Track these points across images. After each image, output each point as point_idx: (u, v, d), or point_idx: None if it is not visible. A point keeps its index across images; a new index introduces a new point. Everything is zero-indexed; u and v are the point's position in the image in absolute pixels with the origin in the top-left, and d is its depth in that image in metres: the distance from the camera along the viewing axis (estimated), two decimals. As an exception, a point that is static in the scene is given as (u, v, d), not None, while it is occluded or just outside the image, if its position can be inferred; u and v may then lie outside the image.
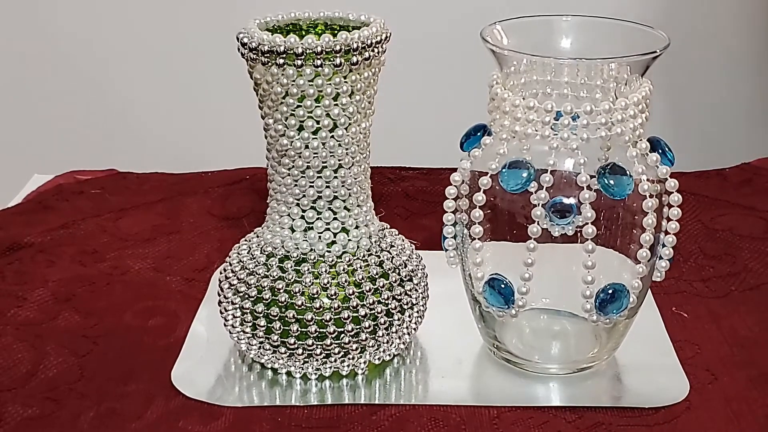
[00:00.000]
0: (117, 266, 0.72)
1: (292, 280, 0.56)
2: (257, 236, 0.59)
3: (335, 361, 0.57)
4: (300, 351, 0.56)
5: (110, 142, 1.13)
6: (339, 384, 0.58)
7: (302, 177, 0.55)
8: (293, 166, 0.55)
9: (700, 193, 0.81)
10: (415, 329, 0.60)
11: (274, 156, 0.56)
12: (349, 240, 0.57)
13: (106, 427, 0.55)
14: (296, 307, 0.56)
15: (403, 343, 0.60)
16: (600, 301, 0.54)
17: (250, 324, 0.57)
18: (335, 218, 0.57)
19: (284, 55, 0.52)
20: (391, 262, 0.58)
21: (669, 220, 0.56)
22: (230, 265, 0.59)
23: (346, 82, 0.53)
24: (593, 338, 0.60)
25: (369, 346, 0.57)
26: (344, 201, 0.56)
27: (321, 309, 0.55)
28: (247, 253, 0.58)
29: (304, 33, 0.58)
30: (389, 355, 0.59)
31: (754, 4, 1.04)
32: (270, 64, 0.53)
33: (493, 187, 0.54)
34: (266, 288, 0.56)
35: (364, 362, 0.58)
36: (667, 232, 0.56)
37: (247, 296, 0.57)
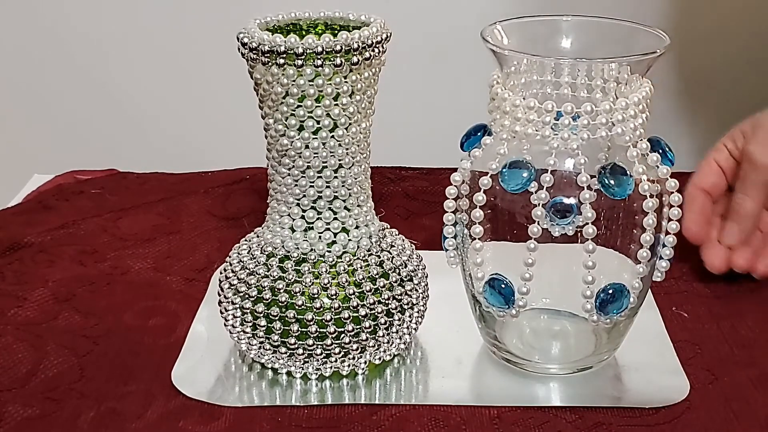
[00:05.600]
0: (117, 266, 0.72)
1: (293, 280, 0.56)
2: (257, 236, 0.59)
3: (335, 361, 0.57)
4: (300, 351, 0.56)
5: (110, 142, 1.13)
6: (339, 384, 0.58)
7: (302, 177, 0.55)
8: (293, 166, 0.55)
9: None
10: (415, 329, 0.60)
11: (274, 156, 0.56)
12: (350, 240, 0.57)
13: (106, 427, 0.55)
14: (296, 307, 0.56)
15: (404, 343, 0.60)
16: (600, 301, 0.54)
17: (250, 324, 0.57)
18: (335, 218, 0.57)
19: (284, 55, 0.52)
20: (392, 262, 0.58)
21: (669, 220, 0.56)
22: (230, 265, 0.59)
23: (346, 82, 0.53)
24: (593, 338, 0.60)
25: (369, 346, 0.57)
26: (344, 201, 0.56)
27: (321, 309, 0.55)
28: (248, 253, 0.58)
29: (304, 33, 0.58)
30: (389, 355, 0.59)
31: (754, 4, 1.04)
32: (270, 64, 0.53)
33: (494, 187, 0.54)
34: (266, 288, 0.56)
35: (365, 362, 0.58)
36: (667, 232, 0.56)
37: (247, 296, 0.57)
